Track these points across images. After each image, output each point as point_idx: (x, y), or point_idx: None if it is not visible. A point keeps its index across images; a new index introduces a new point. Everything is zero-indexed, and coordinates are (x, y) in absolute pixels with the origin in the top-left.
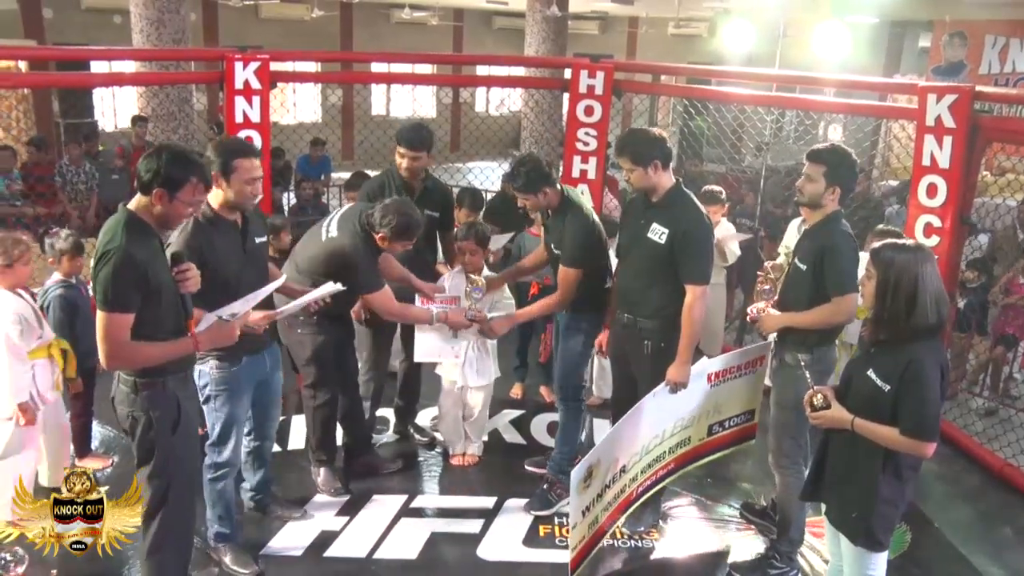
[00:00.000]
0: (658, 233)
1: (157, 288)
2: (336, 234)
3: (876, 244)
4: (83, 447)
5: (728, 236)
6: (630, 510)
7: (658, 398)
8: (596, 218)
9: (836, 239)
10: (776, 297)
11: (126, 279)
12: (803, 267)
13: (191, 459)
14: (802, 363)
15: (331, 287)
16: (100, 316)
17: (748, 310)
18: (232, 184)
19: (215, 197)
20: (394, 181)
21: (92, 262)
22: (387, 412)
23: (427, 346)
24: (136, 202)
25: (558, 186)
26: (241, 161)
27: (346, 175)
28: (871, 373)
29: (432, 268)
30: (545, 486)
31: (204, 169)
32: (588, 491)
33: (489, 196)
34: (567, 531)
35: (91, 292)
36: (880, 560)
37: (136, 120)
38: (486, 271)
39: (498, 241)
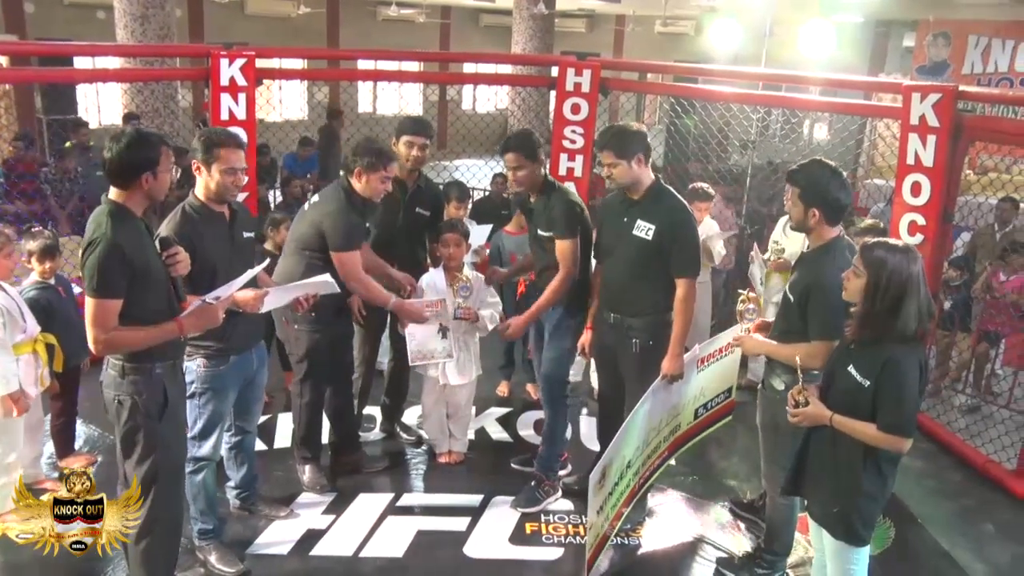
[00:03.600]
0: (644, 230)
1: (144, 272)
2: (318, 199)
3: (868, 241)
4: (65, 447)
5: (713, 235)
6: (632, 503)
7: (657, 393)
8: (581, 201)
9: (826, 276)
10: (758, 319)
11: (112, 266)
12: (792, 299)
13: (178, 447)
14: (799, 374)
15: (324, 279)
16: (89, 303)
17: (733, 338)
18: (212, 173)
19: (201, 188)
20: None
21: (80, 252)
22: (374, 410)
23: (419, 349)
24: (116, 192)
25: (544, 170)
26: (221, 150)
27: None
28: (851, 369)
29: (424, 267)
30: (533, 483)
31: (164, 136)
32: (602, 490)
33: (475, 195)
34: (554, 528)
35: (73, 290)
36: (862, 554)
37: (128, 118)
38: (470, 271)
39: (481, 233)
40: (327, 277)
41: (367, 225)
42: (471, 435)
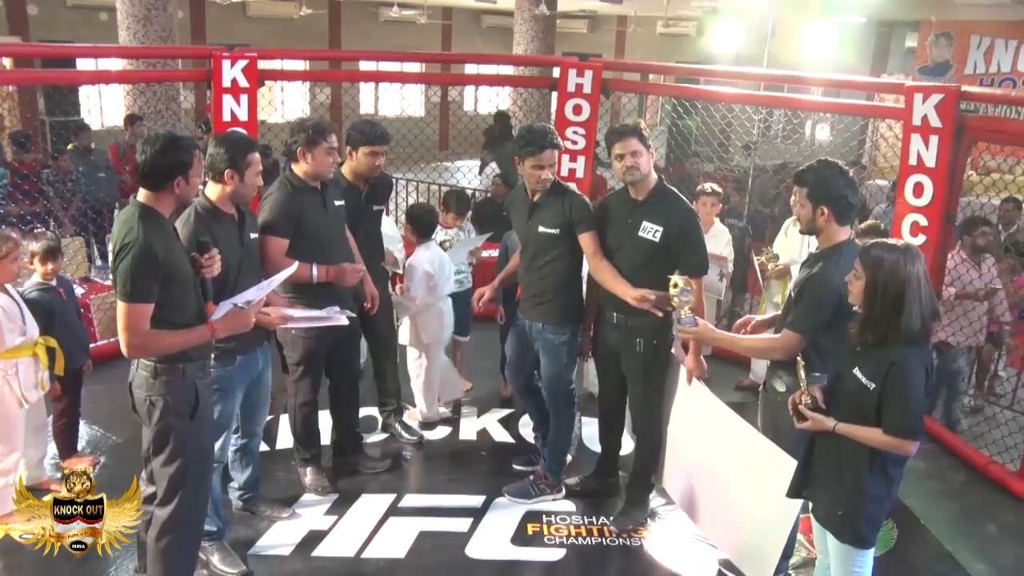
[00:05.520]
0: (651, 231)
1: (174, 274)
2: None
3: (866, 242)
4: (67, 448)
5: (718, 251)
6: None
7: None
8: None
9: (826, 272)
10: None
11: (145, 270)
12: (793, 295)
13: (207, 445)
14: (801, 375)
15: (332, 313)
16: (121, 307)
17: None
18: (247, 178)
19: (213, 190)
20: (340, 183)
21: (111, 256)
22: (374, 411)
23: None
24: (145, 194)
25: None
26: (254, 155)
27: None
28: (857, 371)
29: (380, 260)
30: (531, 477)
31: (195, 141)
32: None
33: (477, 196)
34: (556, 529)
35: (75, 292)
36: (867, 557)
37: (131, 119)
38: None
39: (476, 242)
40: (335, 312)
41: (337, 204)
42: (426, 408)
